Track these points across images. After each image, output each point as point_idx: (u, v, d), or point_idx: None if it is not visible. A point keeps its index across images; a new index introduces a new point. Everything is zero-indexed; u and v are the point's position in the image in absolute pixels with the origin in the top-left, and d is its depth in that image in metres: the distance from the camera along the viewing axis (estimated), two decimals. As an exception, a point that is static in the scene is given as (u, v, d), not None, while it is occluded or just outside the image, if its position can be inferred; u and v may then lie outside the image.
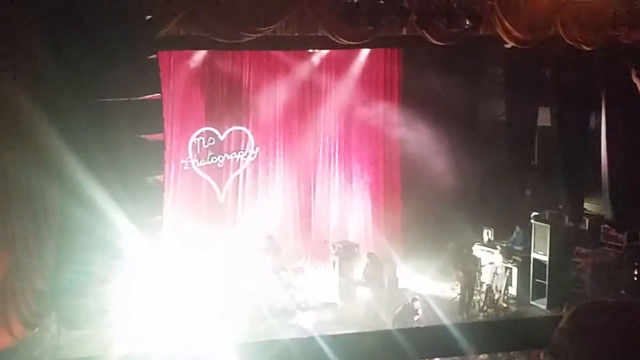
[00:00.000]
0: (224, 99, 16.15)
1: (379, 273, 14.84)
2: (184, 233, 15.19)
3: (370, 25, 13.10)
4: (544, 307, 14.85)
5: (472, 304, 14.92)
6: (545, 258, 14.83)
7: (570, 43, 14.35)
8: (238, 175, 16.44)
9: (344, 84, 16.94)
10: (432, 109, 16.45)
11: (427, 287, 15.32)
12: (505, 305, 15.06)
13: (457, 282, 15.14)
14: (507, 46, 16.66)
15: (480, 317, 14.62)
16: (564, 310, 12.71)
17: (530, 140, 18.92)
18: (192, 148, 15.86)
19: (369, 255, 15.09)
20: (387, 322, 13.46)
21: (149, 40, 9.39)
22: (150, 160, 9.33)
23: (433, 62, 16.52)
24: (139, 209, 8.85)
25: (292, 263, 15.56)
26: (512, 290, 15.28)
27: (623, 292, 15.21)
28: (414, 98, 16.94)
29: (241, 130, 16.38)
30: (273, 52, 16.08)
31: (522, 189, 18.77)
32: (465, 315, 14.60)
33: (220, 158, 16.17)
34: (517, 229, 16.08)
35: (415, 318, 13.69)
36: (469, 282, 14.87)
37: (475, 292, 15.07)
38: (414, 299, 13.79)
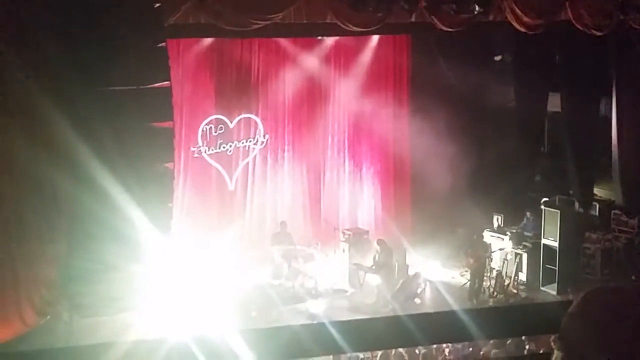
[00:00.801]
0: (234, 87, 16.15)
1: (389, 260, 14.84)
2: (194, 220, 15.24)
3: (378, 12, 13.05)
4: (554, 292, 14.82)
5: (482, 290, 14.90)
6: (556, 244, 14.79)
7: (580, 28, 14.26)
8: (247, 163, 16.45)
9: (353, 72, 16.89)
10: (442, 96, 16.41)
11: (437, 273, 15.30)
12: (515, 291, 15.04)
13: (467, 269, 15.12)
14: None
15: (490, 303, 14.60)
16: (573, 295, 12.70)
17: (540, 126, 18.85)
18: (202, 136, 15.87)
19: (379, 241, 15.08)
20: (397, 308, 13.48)
21: (158, 28, 9.38)
22: (159, 148, 9.33)
23: (442, 50, 16.47)
24: (149, 196, 8.87)
25: (302, 250, 15.58)
26: (522, 276, 15.25)
27: (633, 277, 15.19)
28: (423, 85, 16.91)
29: (250, 118, 16.38)
30: (282, 40, 16.05)
31: (532, 174, 18.72)
32: (475, 301, 14.59)
33: (230, 146, 16.18)
34: (527, 214, 16.04)
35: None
36: (479, 268, 14.86)
37: (485, 278, 15.05)
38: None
